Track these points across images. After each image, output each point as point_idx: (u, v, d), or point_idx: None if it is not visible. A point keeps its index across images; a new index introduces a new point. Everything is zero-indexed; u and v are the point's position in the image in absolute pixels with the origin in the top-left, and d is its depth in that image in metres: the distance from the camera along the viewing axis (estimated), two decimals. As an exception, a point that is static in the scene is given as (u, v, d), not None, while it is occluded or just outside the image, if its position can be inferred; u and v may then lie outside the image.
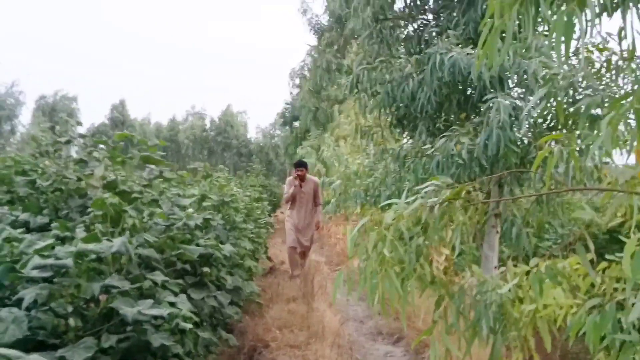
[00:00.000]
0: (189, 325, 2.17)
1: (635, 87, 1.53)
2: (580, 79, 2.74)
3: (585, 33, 1.72)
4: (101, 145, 3.93)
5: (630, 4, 1.32)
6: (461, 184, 2.22)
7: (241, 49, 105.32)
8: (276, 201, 15.41)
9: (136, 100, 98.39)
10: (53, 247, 2.12)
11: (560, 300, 1.92)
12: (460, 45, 3.89)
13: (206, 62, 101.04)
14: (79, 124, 3.61)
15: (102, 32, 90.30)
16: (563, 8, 1.41)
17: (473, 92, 4.06)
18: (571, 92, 2.84)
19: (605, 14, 1.51)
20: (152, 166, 2.93)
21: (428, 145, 4.16)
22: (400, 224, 2.11)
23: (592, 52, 2.68)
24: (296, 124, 20.19)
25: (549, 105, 3.47)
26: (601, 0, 1.46)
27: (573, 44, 1.49)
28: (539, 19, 1.64)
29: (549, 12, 1.58)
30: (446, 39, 3.96)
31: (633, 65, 1.55)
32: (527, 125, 3.79)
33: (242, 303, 4.38)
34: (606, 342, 1.77)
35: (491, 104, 3.62)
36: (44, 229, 3.33)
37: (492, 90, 3.88)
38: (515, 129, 3.63)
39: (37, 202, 3.53)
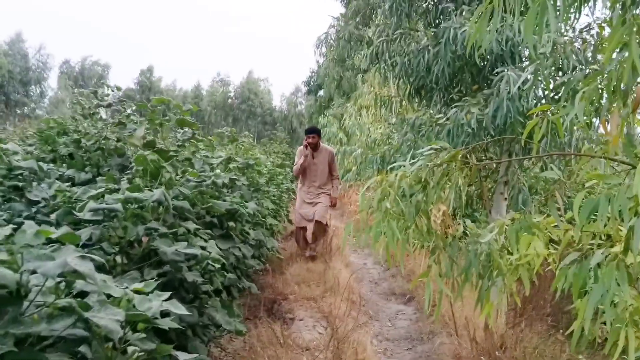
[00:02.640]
0: (218, 265, 2.52)
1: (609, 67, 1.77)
2: (568, 58, 2.95)
3: (567, 19, 1.96)
4: (132, 109, 4.29)
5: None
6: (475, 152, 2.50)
7: (267, 18, 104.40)
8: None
9: (163, 67, 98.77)
10: (103, 196, 2.47)
11: (538, 251, 2.21)
12: (474, 20, 4.08)
13: (232, 30, 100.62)
14: (119, 89, 3.95)
15: (117, 8, 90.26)
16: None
17: (485, 64, 4.27)
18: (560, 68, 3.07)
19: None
20: (186, 129, 3.26)
21: (441, 115, 4.40)
22: (402, 183, 2.40)
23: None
24: (321, 92, 20.37)
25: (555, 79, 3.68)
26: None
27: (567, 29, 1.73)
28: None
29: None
30: (461, 14, 4.16)
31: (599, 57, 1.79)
32: (534, 98, 3.99)
33: (263, 258, 4.75)
34: (584, 289, 2.05)
35: (501, 77, 3.84)
36: (87, 183, 3.72)
37: (503, 64, 4.09)
38: (523, 101, 3.84)
39: (81, 160, 3.90)
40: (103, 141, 3.73)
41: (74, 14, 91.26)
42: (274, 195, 5.68)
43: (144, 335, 1.66)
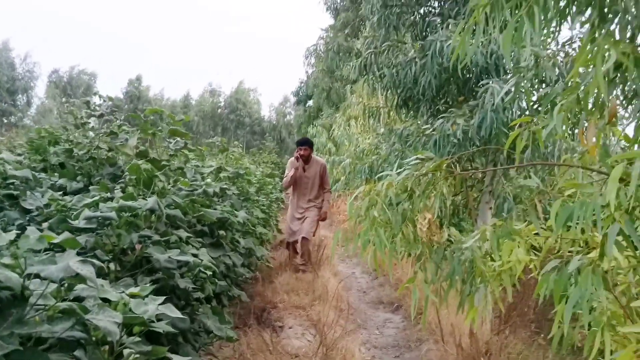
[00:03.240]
0: (209, 273, 2.57)
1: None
2: (549, 71, 3.07)
3: (548, 34, 2.06)
4: (121, 118, 4.34)
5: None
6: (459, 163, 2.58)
7: (257, 28, 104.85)
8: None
9: (151, 77, 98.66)
10: (97, 204, 2.52)
11: (520, 257, 2.29)
12: (460, 34, 4.20)
13: (223, 42, 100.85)
14: (110, 99, 4.00)
15: (117, 9, 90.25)
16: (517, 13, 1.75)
17: (471, 76, 4.38)
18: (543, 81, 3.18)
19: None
20: (178, 138, 3.31)
21: (428, 126, 4.49)
22: (389, 191, 2.48)
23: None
24: (310, 102, 20.49)
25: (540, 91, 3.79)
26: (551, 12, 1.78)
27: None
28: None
29: (510, 17, 1.91)
30: (447, 27, 4.27)
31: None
32: (518, 110, 4.10)
33: (253, 267, 4.80)
34: (565, 295, 2.13)
35: (486, 89, 3.95)
36: (78, 192, 3.75)
37: (488, 76, 4.20)
38: (507, 113, 3.95)
39: (72, 169, 3.94)
40: (95, 151, 3.77)
41: (73, 14, 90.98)
42: (263, 205, 5.73)
43: (138, 339, 1.71)
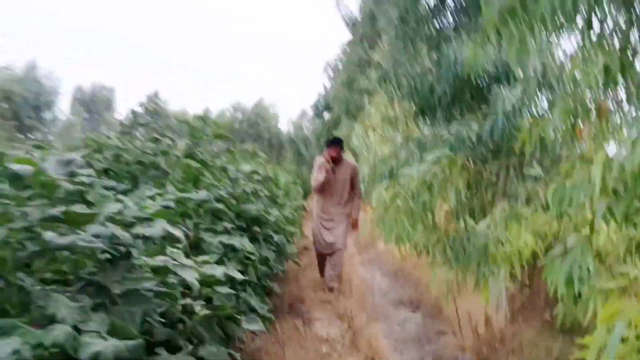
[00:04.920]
0: (253, 257, 2.93)
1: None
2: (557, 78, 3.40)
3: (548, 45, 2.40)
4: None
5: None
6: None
7: (267, 18, 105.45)
8: (307, 188, 16.25)
9: (163, 67, 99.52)
10: (153, 198, 2.91)
11: (527, 241, 2.61)
12: (473, 45, 4.55)
13: (232, 30, 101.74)
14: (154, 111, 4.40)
15: (113, 10, 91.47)
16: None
17: (483, 85, 4.72)
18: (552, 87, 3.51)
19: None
20: (219, 142, 3.71)
21: (445, 131, 4.83)
22: (411, 185, 2.83)
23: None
24: (327, 115, 20.94)
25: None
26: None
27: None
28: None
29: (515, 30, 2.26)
30: (460, 39, 4.62)
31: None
32: (529, 115, 4.42)
33: (281, 265, 5.15)
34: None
35: (497, 96, 4.28)
36: (126, 192, 4.16)
37: (499, 83, 4.53)
38: (517, 117, 4.27)
39: (121, 173, 4.34)
40: (142, 155, 4.17)
41: (73, 14, 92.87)
42: (290, 207, 6.10)
43: (203, 302, 2.08)
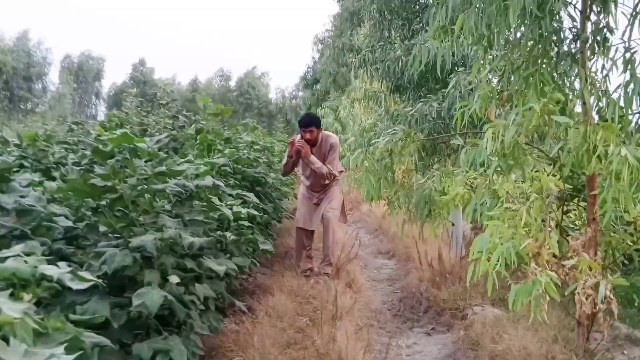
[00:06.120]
0: (257, 209, 3.95)
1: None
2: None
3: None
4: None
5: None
6: (431, 134, 3.93)
7: (263, 13, 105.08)
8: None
9: (163, 63, 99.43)
10: (191, 162, 3.90)
11: (458, 191, 3.65)
12: (435, 37, 5.52)
13: (230, 25, 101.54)
14: (170, 92, 5.33)
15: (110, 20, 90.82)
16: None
17: (444, 70, 5.69)
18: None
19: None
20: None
21: (410, 108, 5.83)
22: (376, 152, 3.84)
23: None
24: (317, 86, 21.82)
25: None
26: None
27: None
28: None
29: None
30: (426, 32, 5.58)
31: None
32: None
33: (279, 218, 6.19)
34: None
35: (456, 79, 5.27)
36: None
37: (458, 69, 5.51)
38: (470, 97, 5.27)
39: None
40: (164, 129, 5.15)
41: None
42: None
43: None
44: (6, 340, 1.04)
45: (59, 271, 1.41)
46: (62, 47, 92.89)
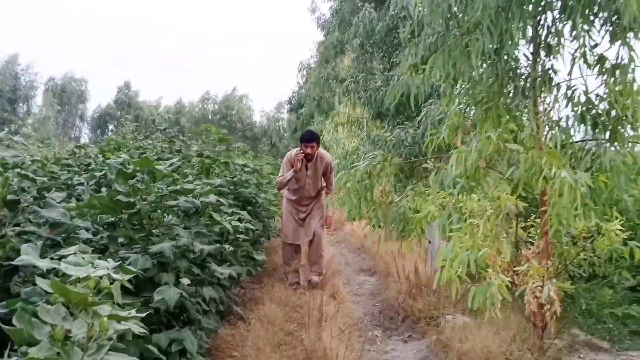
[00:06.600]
0: (251, 227, 4.37)
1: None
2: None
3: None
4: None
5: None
6: (408, 158, 4.41)
7: (250, 40, 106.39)
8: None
9: (147, 85, 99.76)
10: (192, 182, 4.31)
11: (431, 210, 4.11)
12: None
13: (214, 51, 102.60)
14: (154, 122, 5.76)
15: (109, 21, 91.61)
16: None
17: (419, 100, 6.22)
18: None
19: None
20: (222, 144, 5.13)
21: (389, 133, 6.34)
22: (357, 174, 4.30)
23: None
24: (302, 110, 22.43)
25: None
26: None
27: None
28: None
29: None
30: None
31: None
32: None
33: (267, 236, 6.60)
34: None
35: (427, 109, 5.78)
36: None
37: (431, 99, 6.04)
38: (442, 125, 5.78)
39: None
40: (161, 153, 5.56)
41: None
42: (271, 193, 7.56)
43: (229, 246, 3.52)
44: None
45: (108, 264, 1.82)
46: (62, 48, 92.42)
